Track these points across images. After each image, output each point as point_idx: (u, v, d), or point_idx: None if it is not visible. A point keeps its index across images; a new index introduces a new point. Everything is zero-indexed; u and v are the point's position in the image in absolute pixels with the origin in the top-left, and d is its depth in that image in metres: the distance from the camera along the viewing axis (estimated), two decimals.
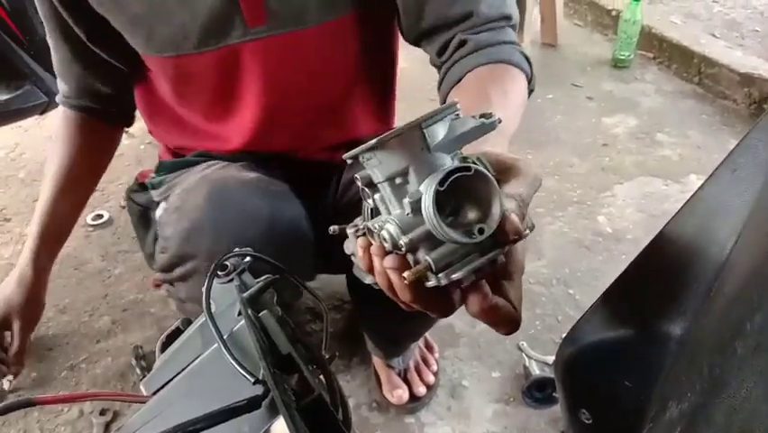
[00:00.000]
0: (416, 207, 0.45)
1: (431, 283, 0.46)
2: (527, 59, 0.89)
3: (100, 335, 1.59)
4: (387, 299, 0.53)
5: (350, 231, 0.54)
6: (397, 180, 0.47)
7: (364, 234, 0.51)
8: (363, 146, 0.46)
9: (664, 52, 2.92)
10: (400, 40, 1.04)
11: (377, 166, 0.47)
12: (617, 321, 0.69)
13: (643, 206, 1.99)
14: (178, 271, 0.86)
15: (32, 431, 1.35)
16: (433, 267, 0.45)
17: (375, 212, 0.51)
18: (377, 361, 1.42)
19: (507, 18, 0.90)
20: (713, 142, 2.33)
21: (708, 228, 0.59)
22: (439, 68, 0.94)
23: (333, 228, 0.57)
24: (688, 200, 0.62)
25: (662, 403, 0.53)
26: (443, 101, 0.88)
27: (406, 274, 0.46)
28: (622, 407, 0.63)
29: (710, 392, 0.42)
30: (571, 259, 1.79)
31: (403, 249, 0.46)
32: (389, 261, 0.47)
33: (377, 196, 0.50)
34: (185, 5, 0.86)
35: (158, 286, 0.94)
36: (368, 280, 0.55)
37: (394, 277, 0.48)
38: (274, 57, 0.93)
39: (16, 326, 1.31)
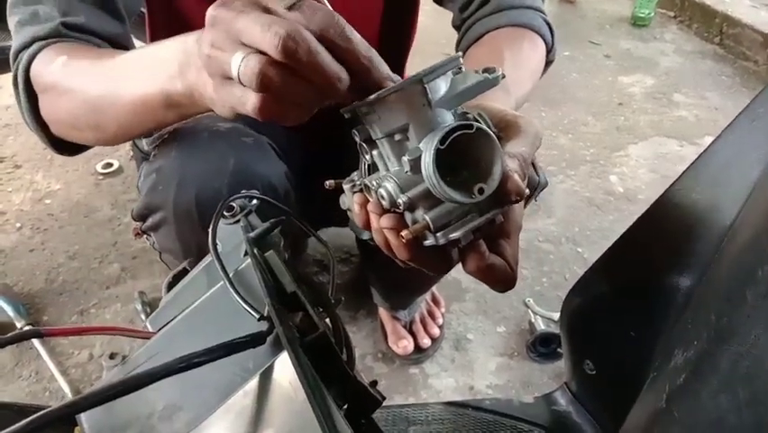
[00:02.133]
0: (416, 164, 0.43)
1: (429, 242, 0.46)
2: (550, 28, 0.87)
3: (109, 281, 1.61)
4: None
5: (346, 186, 0.53)
6: (397, 137, 0.46)
7: (361, 191, 0.50)
8: (362, 101, 0.44)
9: (685, 11, 2.84)
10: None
11: (376, 122, 0.46)
12: (625, 273, 0.69)
13: (656, 166, 1.97)
14: (149, 221, 0.85)
15: (44, 372, 1.37)
16: (431, 226, 0.45)
17: (373, 168, 0.50)
18: (383, 312, 1.44)
19: None
20: (731, 104, 2.28)
21: (721, 180, 0.58)
22: (459, 27, 0.92)
23: (329, 183, 0.55)
24: (703, 152, 0.61)
25: (667, 353, 0.53)
26: None
27: (403, 233, 0.45)
28: (626, 357, 0.63)
29: (717, 340, 0.42)
30: (582, 218, 1.78)
31: (401, 207, 0.45)
32: (386, 220, 0.47)
33: (375, 152, 0.48)
34: None
35: (137, 235, 0.92)
36: (365, 236, 0.54)
37: (391, 237, 0.47)
38: None
39: None
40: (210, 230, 0.55)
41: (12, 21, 0.78)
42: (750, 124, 0.55)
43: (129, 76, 0.66)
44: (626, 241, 0.68)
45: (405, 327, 1.41)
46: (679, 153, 2.03)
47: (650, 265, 0.64)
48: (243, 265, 0.52)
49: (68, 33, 0.76)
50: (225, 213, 0.60)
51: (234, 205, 0.61)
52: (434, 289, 1.48)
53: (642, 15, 2.82)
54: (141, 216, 0.86)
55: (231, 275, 0.49)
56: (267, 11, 0.44)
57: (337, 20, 0.44)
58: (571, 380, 0.82)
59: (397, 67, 1.16)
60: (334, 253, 1.68)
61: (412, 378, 1.36)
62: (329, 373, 0.45)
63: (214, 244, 0.53)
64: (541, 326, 1.39)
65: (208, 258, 0.59)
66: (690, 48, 2.68)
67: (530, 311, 1.46)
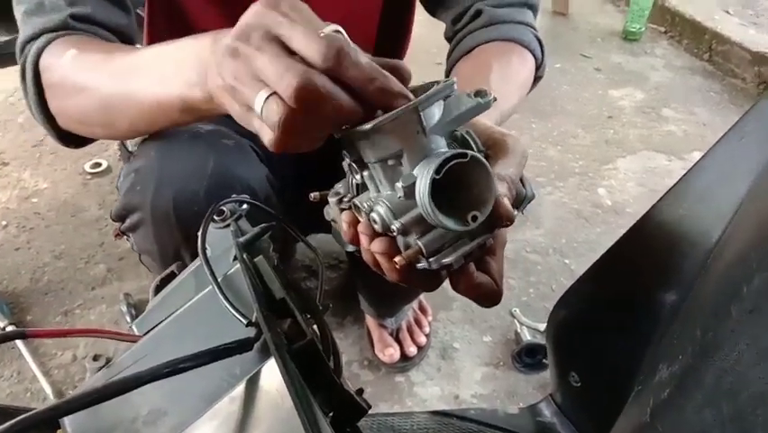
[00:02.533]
0: (410, 191, 0.44)
1: (421, 266, 0.47)
2: (541, 44, 0.88)
3: (95, 282, 1.59)
4: None
5: (332, 199, 0.53)
6: (390, 162, 0.46)
7: (350, 208, 0.50)
8: (357, 129, 0.44)
9: (676, 27, 2.87)
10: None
11: (369, 147, 0.46)
12: (612, 287, 0.69)
13: (644, 180, 1.98)
14: (127, 222, 0.84)
15: (26, 373, 1.36)
16: (424, 252, 0.45)
17: (362, 187, 0.50)
18: (370, 320, 1.43)
19: (530, 5, 0.90)
20: (719, 120, 2.31)
21: (709, 197, 0.59)
22: (451, 39, 0.93)
23: (313, 195, 0.56)
24: (691, 168, 0.62)
25: (652, 366, 0.53)
26: (449, 70, 0.89)
27: (397, 259, 0.46)
28: (611, 370, 0.63)
29: (702, 355, 0.42)
30: (569, 229, 1.79)
31: (394, 232, 0.45)
32: (378, 245, 0.47)
33: (365, 173, 0.48)
34: None
35: (117, 236, 0.91)
36: (349, 248, 0.54)
37: (383, 260, 0.48)
38: None
39: None
40: (200, 234, 0.55)
41: (18, 10, 0.78)
42: (738, 142, 0.55)
43: (143, 77, 0.65)
44: (613, 254, 0.69)
45: (391, 334, 1.40)
46: (667, 168, 2.05)
47: (637, 279, 0.65)
48: (232, 270, 0.52)
49: (76, 25, 0.75)
50: (215, 217, 0.60)
51: (225, 209, 0.61)
52: (421, 297, 1.48)
53: (633, 30, 2.84)
54: (120, 217, 0.85)
55: (219, 280, 0.49)
56: (283, 45, 0.44)
57: (348, 51, 0.43)
58: (556, 391, 0.82)
59: None
60: (323, 259, 1.67)
61: (398, 386, 1.36)
62: (316, 380, 0.45)
63: (203, 248, 0.53)
64: (527, 336, 1.39)
65: (197, 262, 0.59)
66: (680, 63, 2.71)
67: (516, 321, 1.46)
